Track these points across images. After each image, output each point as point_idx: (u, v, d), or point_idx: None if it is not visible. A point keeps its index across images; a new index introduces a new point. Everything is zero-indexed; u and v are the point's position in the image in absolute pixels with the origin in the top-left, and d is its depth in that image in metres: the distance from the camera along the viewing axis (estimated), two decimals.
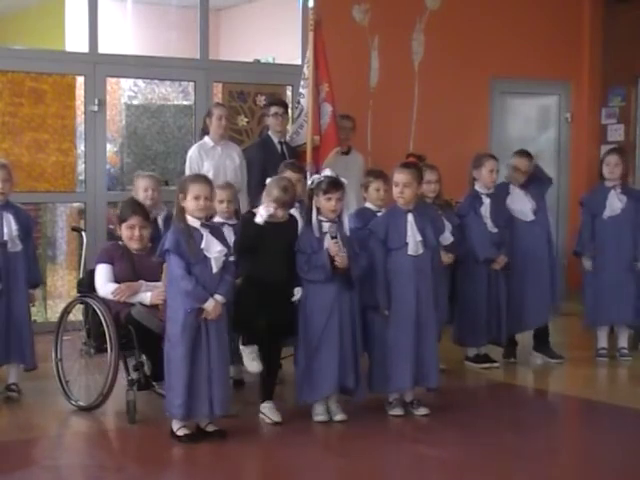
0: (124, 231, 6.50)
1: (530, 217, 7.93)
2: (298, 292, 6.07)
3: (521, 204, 7.92)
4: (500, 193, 7.90)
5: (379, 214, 6.62)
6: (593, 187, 8.47)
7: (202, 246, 5.70)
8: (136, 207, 6.65)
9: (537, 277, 7.91)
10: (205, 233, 5.74)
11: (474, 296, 7.66)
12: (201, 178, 5.94)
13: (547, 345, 8.11)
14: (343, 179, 6.18)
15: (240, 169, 8.27)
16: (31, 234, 6.90)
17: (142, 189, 7.20)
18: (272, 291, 5.97)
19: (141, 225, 6.50)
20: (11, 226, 6.68)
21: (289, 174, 6.70)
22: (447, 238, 7.22)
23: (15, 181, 6.96)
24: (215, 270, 5.73)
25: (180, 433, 5.74)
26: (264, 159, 8.16)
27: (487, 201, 7.73)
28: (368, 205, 6.75)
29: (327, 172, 6.21)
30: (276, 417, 6.07)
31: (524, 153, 8.10)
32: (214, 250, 5.73)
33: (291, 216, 6.22)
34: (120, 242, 6.55)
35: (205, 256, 5.70)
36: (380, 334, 6.27)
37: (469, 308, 7.68)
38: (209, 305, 5.65)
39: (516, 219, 7.89)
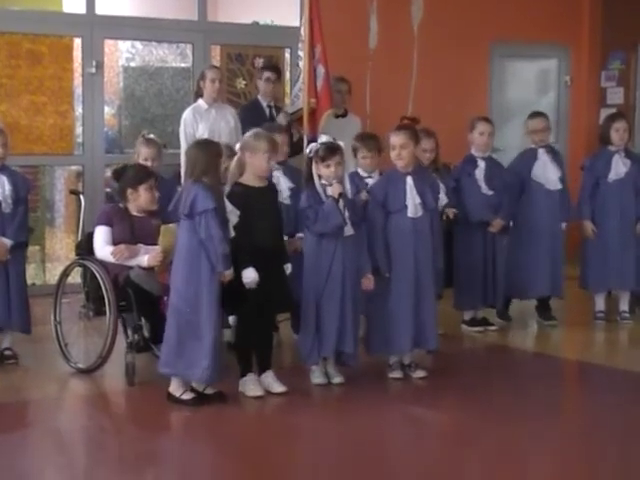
0: (144, 193, 6.39)
1: (557, 185, 7.95)
2: (288, 268, 6.02)
3: (548, 171, 7.95)
4: (524, 159, 8.00)
5: (368, 180, 6.74)
6: (595, 151, 8.46)
7: (228, 209, 5.66)
8: (148, 170, 6.62)
9: (547, 247, 7.92)
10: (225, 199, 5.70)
11: (470, 260, 7.68)
12: None
13: (545, 308, 8.16)
14: (340, 142, 6.16)
15: (235, 131, 8.25)
16: (24, 198, 6.82)
17: (142, 159, 7.01)
18: (267, 257, 5.82)
19: (156, 186, 6.46)
20: (4, 187, 6.66)
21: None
22: (442, 199, 7.22)
23: (12, 144, 6.93)
24: (233, 234, 5.69)
25: (186, 397, 5.72)
26: (251, 122, 8.14)
27: (482, 164, 7.75)
28: (359, 171, 6.81)
29: (323, 138, 6.18)
30: (259, 391, 5.90)
31: (537, 113, 8.19)
32: (233, 214, 5.70)
33: (270, 182, 6.17)
34: (120, 204, 6.53)
35: (227, 220, 5.65)
36: (380, 296, 6.27)
37: (465, 272, 7.70)
38: (230, 272, 5.63)
39: (536, 184, 7.91)
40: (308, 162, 6.16)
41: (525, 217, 7.90)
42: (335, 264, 6.03)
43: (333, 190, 5.97)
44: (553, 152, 8.11)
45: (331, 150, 6.03)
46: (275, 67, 8.86)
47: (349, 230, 6.04)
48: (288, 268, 6.03)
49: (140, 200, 6.41)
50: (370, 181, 6.78)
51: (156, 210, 6.43)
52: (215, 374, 5.68)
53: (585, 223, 8.12)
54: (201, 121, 8.16)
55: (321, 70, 8.36)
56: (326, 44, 8.35)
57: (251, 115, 8.39)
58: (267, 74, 8.60)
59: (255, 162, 5.94)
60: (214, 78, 8.22)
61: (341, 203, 5.97)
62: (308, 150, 6.19)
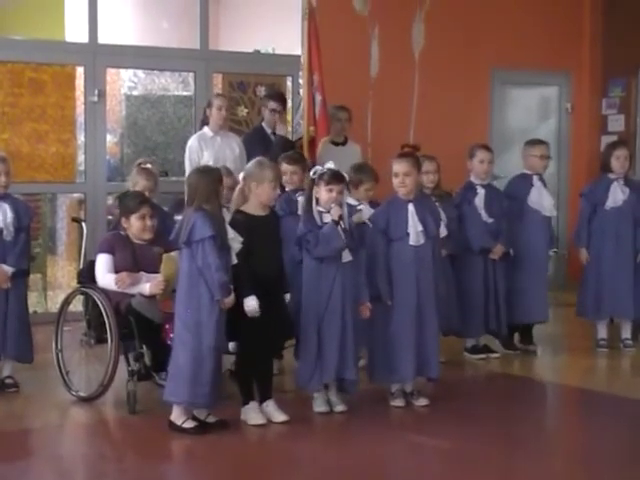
0: (135, 222, 6.38)
1: (552, 212, 8.06)
2: (287, 298, 6.04)
3: (544, 198, 8.00)
4: (520, 185, 8.01)
5: (360, 207, 6.72)
6: (594, 179, 8.47)
7: (231, 236, 5.65)
8: (143, 197, 6.58)
9: (542, 273, 7.98)
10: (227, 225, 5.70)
11: (471, 287, 7.67)
12: None
13: (529, 333, 8.14)
14: (345, 173, 6.17)
15: (240, 159, 8.26)
16: (26, 226, 6.82)
17: (139, 189, 7.07)
18: (268, 285, 5.82)
19: (150, 215, 6.44)
20: (7, 215, 6.67)
21: (284, 167, 6.83)
22: (441, 232, 7.22)
23: (14, 172, 6.94)
24: (235, 262, 5.69)
25: (188, 425, 5.70)
26: (255, 149, 8.16)
27: (482, 192, 7.75)
28: (349, 200, 6.80)
29: (330, 164, 6.16)
30: (261, 419, 5.89)
31: (542, 141, 8.24)
32: (236, 241, 5.70)
33: (272, 210, 6.17)
34: (122, 232, 6.52)
35: (228, 247, 5.65)
36: (382, 324, 6.26)
37: (466, 299, 7.67)
38: (231, 299, 5.63)
39: (532, 211, 7.94)
40: (310, 184, 6.14)
41: (523, 243, 7.89)
42: (335, 289, 6.01)
43: (333, 213, 5.96)
44: (543, 179, 8.13)
45: (337, 177, 6.02)
46: (282, 98, 8.82)
47: (347, 256, 6.03)
48: (287, 298, 6.04)
49: (132, 229, 6.41)
50: (362, 208, 6.77)
51: (158, 238, 6.42)
52: (215, 400, 5.68)
53: (580, 251, 8.13)
54: (206, 149, 8.17)
55: (318, 98, 8.38)
56: (327, 72, 8.39)
57: (255, 142, 8.40)
58: (273, 105, 8.56)
59: (261, 191, 5.94)
60: (220, 106, 8.23)
61: (340, 226, 5.97)
62: (312, 172, 6.16)
